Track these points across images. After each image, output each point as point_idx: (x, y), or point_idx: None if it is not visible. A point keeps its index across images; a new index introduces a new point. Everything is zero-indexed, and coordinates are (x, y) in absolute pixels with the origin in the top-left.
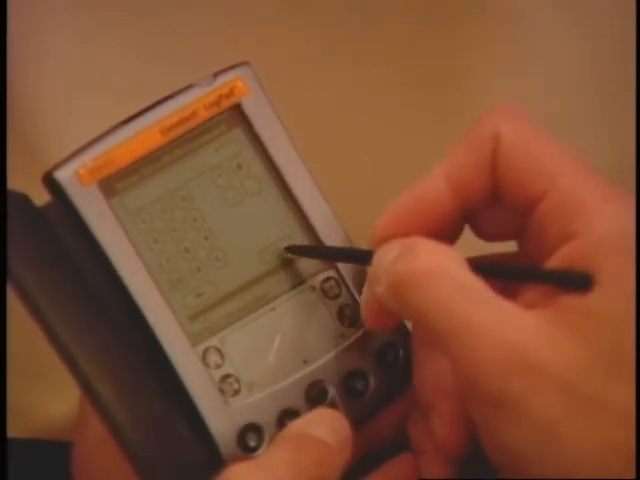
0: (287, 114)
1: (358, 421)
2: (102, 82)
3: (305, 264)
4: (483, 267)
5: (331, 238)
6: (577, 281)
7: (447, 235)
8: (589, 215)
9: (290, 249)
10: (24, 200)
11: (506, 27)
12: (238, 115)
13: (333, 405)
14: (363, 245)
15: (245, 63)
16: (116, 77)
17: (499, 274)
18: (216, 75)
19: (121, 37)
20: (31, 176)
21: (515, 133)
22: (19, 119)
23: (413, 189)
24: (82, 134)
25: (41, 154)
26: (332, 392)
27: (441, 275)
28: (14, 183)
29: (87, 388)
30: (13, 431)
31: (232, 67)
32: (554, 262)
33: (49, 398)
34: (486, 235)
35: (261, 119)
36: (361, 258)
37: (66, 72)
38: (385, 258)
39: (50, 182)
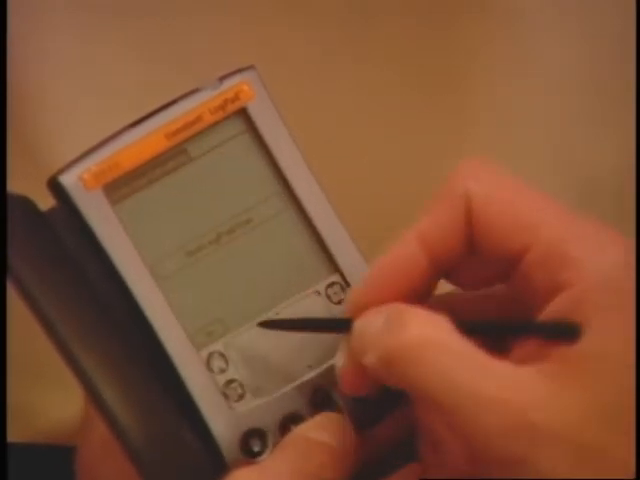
0: (288, 114)
1: (362, 426)
2: (103, 83)
3: (309, 269)
4: (472, 327)
5: (335, 240)
6: (565, 332)
7: (422, 293)
8: (576, 264)
9: (265, 324)
10: (28, 204)
11: (506, 27)
12: (244, 120)
13: (337, 410)
14: (364, 243)
15: (251, 67)
16: (117, 78)
17: (488, 332)
18: (222, 79)
19: (122, 37)
20: (31, 177)
21: (486, 190)
22: (20, 120)
23: (387, 255)
24: (83, 135)
25: (42, 155)
26: (336, 397)
27: (434, 346)
28: (14, 184)
29: (90, 389)
30: (13, 435)
31: (238, 71)
32: (546, 315)
33: (50, 401)
34: (466, 286)
35: (267, 124)
36: (341, 327)
37: (67, 72)
38: (370, 328)
39: (55, 186)
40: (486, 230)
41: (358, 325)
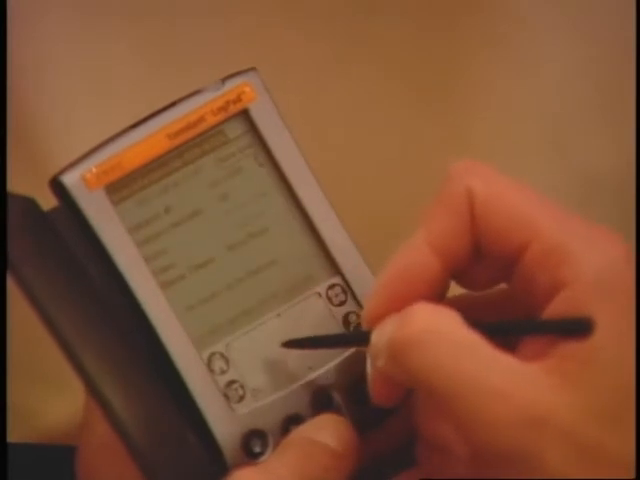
0: (290, 117)
1: (363, 427)
2: (103, 84)
3: (310, 270)
4: (481, 325)
5: (337, 242)
6: (577, 328)
7: (435, 297)
8: (575, 261)
9: (288, 344)
10: (30, 203)
11: (506, 28)
12: (246, 121)
13: (338, 411)
14: (365, 245)
15: (252, 69)
16: (117, 79)
17: (497, 332)
18: (224, 80)
19: (122, 39)
20: (32, 177)
21: (488, 188)
22: (20, 120)
23: (398, 262)
24: (83, 136)
25: (42, 155)
26: (337, 399)
27: (437, 336)
28: (15, 184)
29: (93, 388)
30: (13, 436)
31: (239, 73)
32: (549, 313)
33: (50, 402)
34: (472, 287)
35: (268, 125)
36: (360, 340)
37: (67, 73)
38: (384, 332)
39: (57, 186)
40: (488, 227)
41: (374, 333)
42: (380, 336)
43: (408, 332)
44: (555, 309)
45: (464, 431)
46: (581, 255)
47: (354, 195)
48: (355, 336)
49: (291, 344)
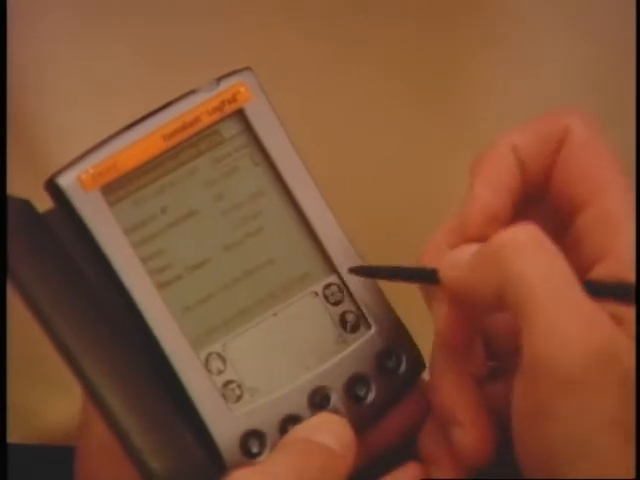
0: (288, 117)
1: (361, 426)
2: (103, 85)
3: (307, 270)
4: None
5: (333, 241)
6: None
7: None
8: (623, 234)
9: (355, 270)
10: (26, 205)
11: (506, 28)
12: (241, 120)
13: (335, 411)
14: (362, 245)
15: (247, 69)
16: (117, 80)
17: None
18: (219, 80)
19: (123, 40)
20: (30, 179)
21: (584, 134)
22: (21, 122)
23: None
24: (82, 136)
25: (43, 157)
26: (334, 398)
27: (543, 245)
28: (13, 186)
29: (91, 391)
30: (14, 436)
31: (234, 72)
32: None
33: (50, 402)
34: None
35: (264, 124)
36: (427, 277)
37: (66, 74)
38: (463, 252)
39: (52, 188)
40: (565, 170)
41: (452, 252)
42: (457, 253)
43: (516, 234)
44: (598, 275)
45: (535, 344)
46: (628, 230)
47: (354, 195)
48: (423, 271)
49: (357, 271)
